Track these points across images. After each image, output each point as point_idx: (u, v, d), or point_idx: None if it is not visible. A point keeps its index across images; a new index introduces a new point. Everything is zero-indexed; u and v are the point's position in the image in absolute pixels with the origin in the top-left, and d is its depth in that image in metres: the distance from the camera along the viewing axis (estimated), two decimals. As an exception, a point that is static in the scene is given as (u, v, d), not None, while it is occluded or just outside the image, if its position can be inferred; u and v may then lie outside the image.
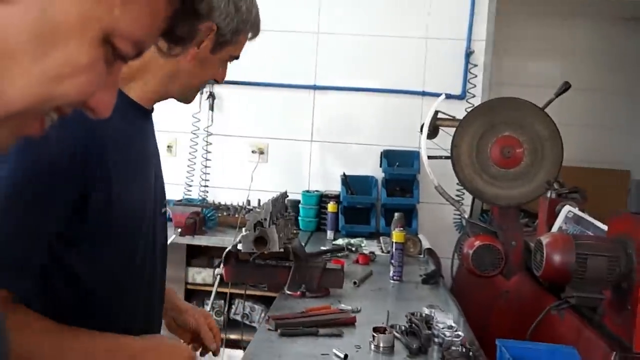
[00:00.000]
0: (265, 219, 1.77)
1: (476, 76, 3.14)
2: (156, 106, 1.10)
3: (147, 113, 1.08)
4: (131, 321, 1.03)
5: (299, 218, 2.97)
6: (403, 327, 1.49)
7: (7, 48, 0.38)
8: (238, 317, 2.86)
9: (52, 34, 0.39)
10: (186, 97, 1.11)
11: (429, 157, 2.12)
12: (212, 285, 2.06)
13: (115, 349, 0.92)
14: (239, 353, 2.27)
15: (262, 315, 2.77)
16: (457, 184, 2.11)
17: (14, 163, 0.79)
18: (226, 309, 2.78)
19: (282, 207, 2.08)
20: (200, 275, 2.90)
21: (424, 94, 3.16)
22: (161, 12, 0.45)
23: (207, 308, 2.42)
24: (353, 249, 2.49)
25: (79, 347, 0.88)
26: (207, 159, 3.33)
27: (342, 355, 1.33)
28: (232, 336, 2.56)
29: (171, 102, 1.12)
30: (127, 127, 0.99)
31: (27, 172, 0.80)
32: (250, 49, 1.12)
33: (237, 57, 1.11)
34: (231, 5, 1.02)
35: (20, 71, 0.39)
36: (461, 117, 2.10)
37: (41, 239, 0.85)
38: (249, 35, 1.09)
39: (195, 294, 2.95)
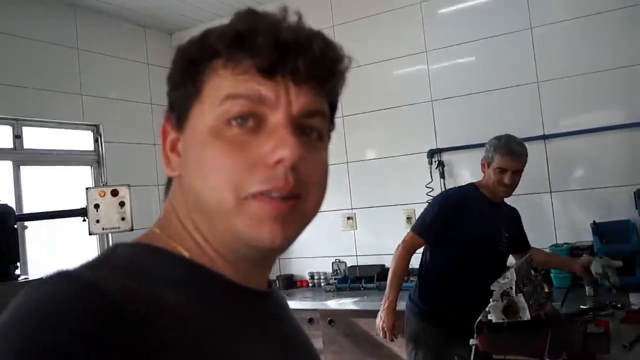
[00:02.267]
0: (512, 288, 1.78)
1: None
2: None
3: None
4: None
5: (551, 275, 2.83)
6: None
7: None
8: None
9: None
10: (497, 194, 2.44)
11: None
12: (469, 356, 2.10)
13: None
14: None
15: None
16: None
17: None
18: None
19: (528, 271, 2.05)
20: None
21: (675, 119, 2.82)
22: None
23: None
24: (619, 305, 2.28)
25: None
26: (446, 225, 3.43)
27: None
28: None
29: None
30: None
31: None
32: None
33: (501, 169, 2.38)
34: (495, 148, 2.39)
35: None
36: None
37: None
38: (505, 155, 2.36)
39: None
